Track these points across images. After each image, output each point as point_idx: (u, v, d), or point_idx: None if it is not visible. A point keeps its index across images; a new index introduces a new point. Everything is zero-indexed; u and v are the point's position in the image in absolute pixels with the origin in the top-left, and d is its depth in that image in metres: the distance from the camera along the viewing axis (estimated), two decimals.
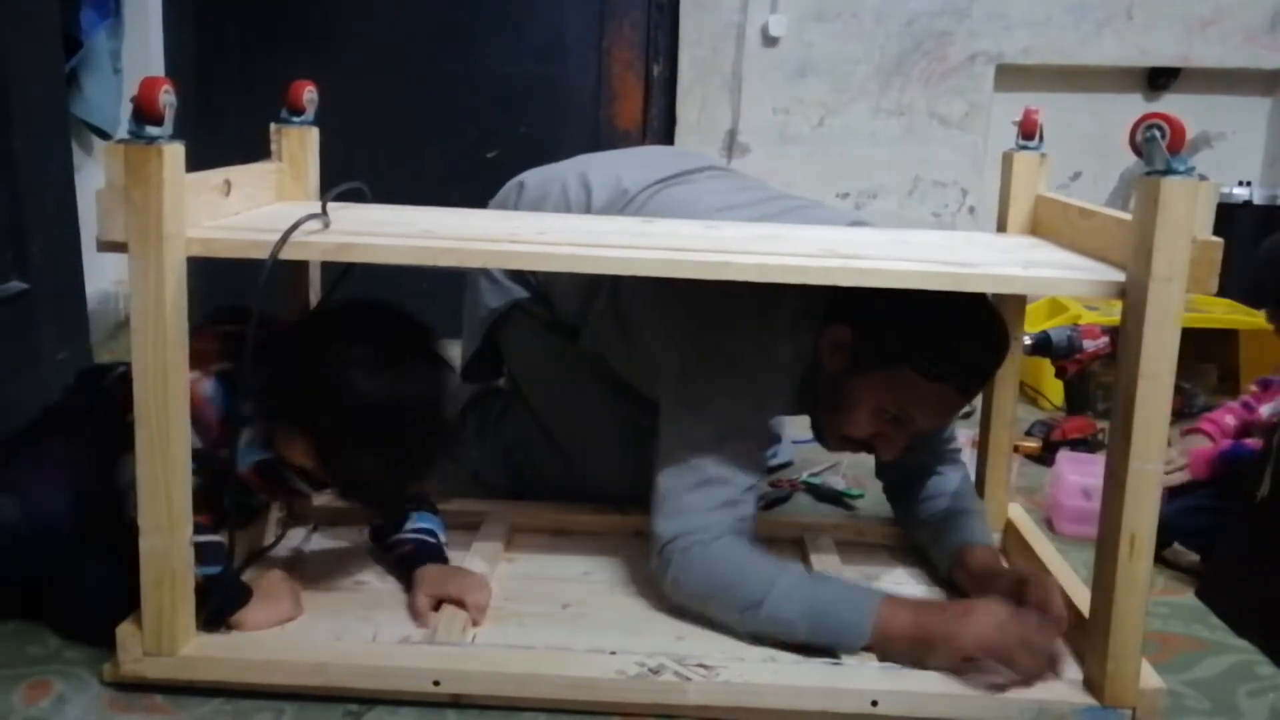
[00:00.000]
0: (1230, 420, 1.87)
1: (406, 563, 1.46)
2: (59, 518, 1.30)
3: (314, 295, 1.57)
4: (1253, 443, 1.73)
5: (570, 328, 1.73)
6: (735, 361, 1.41)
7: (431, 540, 1.49)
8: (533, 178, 1.78)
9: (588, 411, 1.77)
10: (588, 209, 1.65)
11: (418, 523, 1.51)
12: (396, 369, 1.29)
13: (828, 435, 1.51)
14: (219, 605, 1.28)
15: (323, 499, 1.57)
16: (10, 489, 1.30)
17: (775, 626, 1.33)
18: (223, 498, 1.29)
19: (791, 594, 1.33)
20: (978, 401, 1.60)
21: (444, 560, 1.47)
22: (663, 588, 1.41)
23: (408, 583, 1.44)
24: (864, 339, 1.39)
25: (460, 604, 1.38)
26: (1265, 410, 1.82)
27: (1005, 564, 1.56)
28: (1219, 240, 1.11)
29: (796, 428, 2.25)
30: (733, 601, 1.35)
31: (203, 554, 1.24)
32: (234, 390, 1.29)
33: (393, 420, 1.28)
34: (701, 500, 1.38)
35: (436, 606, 1.39)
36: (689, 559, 1.37)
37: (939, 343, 1.36)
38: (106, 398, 1.36)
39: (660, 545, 1.39)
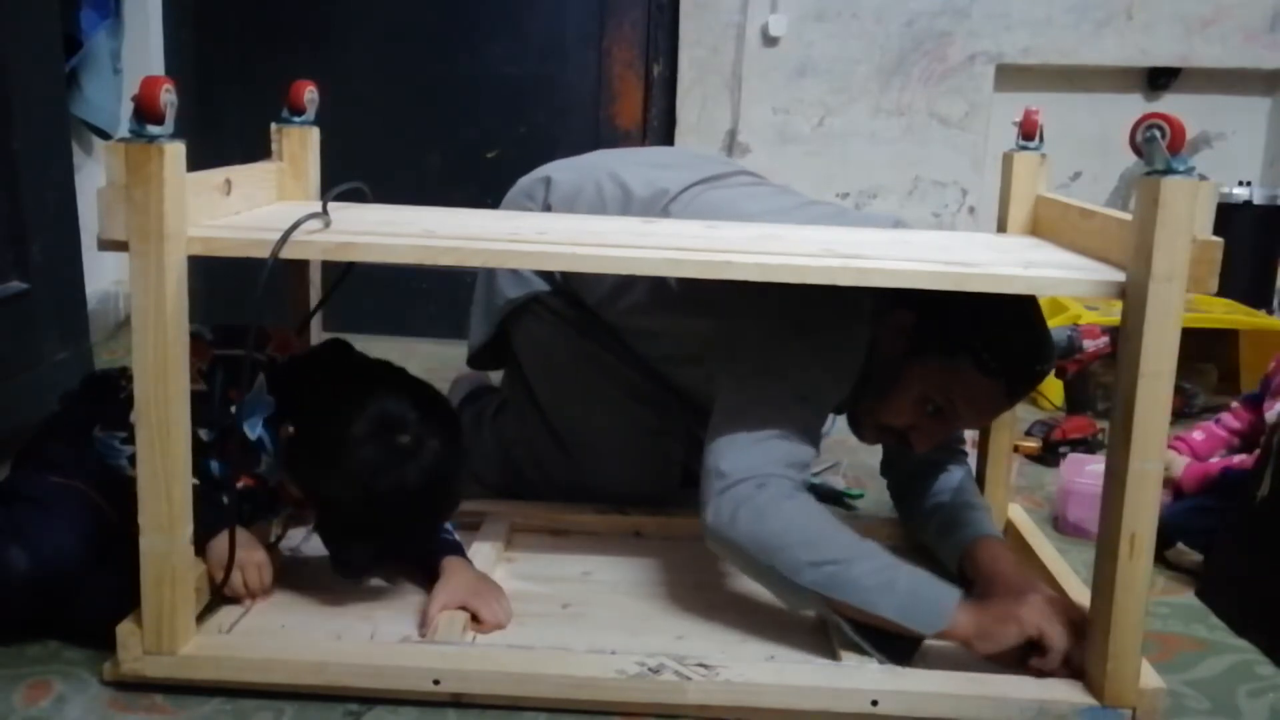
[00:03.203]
0: (1199, 436, 1.90)
1: (427, 561, 1.46)
2: (68, 559, 1.28)
3: (314, 295, 1.57)
4: (1240, 460, 1.73)
5: (594, 314, 1.72)
6: (821, 337, 1.41)
7: (449, 537, 1.49)
8: (561, 174, 1.77)
9: (599, 409, 1.76)
10: (626, 207, 1.64)
11: None
12: (409, 458, 1.31)
13: (865, 423, 1.51)
14: (197, 526, 1.25)
15: None
16: (16, 536, 1.27)
17: (848, 592, 1.28)
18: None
19: (877, 566, 1.30)
20: None
21: (463, 554, 1.47)
22: (716, 525, 1.34)
23: (430, 581, 1.43)
24: (927, 326, 1.40)
25: (475, 617, 1.37)
26: (1272, 415, 1.82)
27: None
28: (1219, 240, 1.11)
29: None
30: (807, 554, 1.29)
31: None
32: (195, 412, 1.25)
33: (396, 510, 1.33)
34: (775, 452, 1.35)
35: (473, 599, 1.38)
36: (762, 500, 1.32)
37: (1001, 338, 1.37)
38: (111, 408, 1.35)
39: (729, 482, 1.33)
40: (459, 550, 1.47)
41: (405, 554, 1.45)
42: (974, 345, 1.37)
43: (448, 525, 1.51)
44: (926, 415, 1.43)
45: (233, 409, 1.34)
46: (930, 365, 1.40)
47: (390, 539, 1.37)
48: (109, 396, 1.34)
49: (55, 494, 1.33)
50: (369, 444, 1.30)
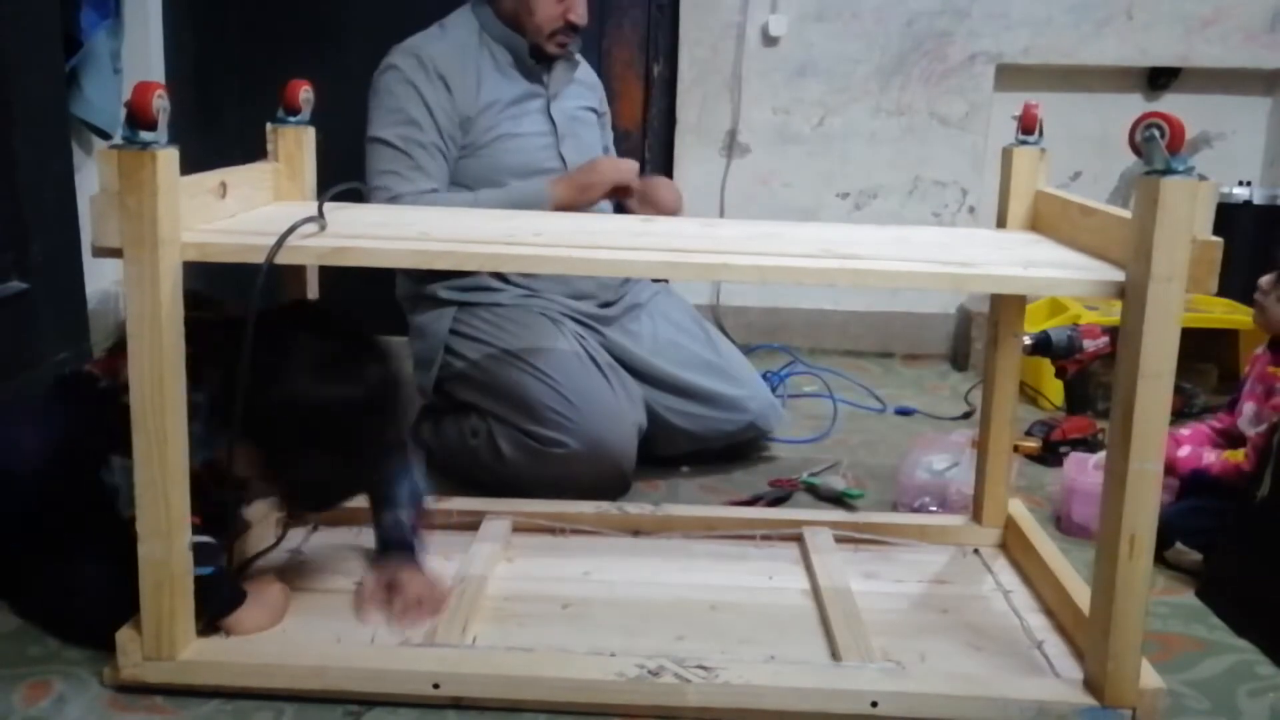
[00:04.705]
0: (1185, 431, 1.88)
1: (378, 545, 1.48)
2: (20, 459, 1.30)
3: (313, 296, 1.57)
4: (1209, 463, 1.74)
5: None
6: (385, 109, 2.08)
7: (404, 535, 1.47)
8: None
9: (549, 358, 1.87)
10: None
11: (401, 498, 1.48)
12: (343, 367, 1.25)
13: (538, 38, 2.02)
14: (213, 608, 1.28)
15: None
16: None
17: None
18: (207, 497, 1.29)
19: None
20: (977, 401, 1.59)
21: (409, 549, 1.45)
22: None
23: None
24: None
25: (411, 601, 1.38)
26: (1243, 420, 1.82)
27: None
28: (1219, 240, 1.11)
29: (794, 428, 2.25)
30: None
31: (196, 555, 1.23)
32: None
33: (344, 419, 1.24)
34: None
35: (389, 592, 1.41)
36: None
37: None
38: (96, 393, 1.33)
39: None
40: (408, 546, 1.46)
41: (360, 481, 1.38)
42: None
43: (408, 523, 1.48)
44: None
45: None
46: None
47: (339, 454, 1.27)
48: (108, 409, 1.28)
49: (26, 410, 1.38)
50: (308, 347, 1.25)
